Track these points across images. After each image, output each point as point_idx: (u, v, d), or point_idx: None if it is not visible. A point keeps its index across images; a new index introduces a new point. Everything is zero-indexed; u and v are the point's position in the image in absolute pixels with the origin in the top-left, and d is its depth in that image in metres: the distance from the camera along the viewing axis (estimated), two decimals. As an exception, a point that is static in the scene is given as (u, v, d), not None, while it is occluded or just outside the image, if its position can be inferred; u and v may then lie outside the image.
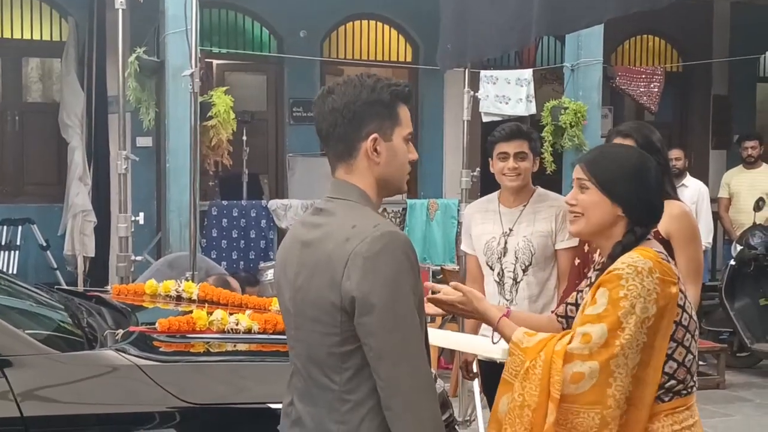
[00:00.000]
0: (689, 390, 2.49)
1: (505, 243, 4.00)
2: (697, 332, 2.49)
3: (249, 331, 3.46)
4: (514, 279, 3.98)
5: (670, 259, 2.46)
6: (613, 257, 2.49)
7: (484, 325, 4.02)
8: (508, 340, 2.55)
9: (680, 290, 2.42)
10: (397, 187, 2.28)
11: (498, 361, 3.78)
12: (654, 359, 2.39)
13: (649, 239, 2.53)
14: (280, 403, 2.39)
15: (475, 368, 4.30)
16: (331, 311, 2.09)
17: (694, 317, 2.48)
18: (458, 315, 2.77)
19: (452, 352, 6.41)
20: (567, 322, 2.78)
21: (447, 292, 2.73)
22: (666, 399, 2.44)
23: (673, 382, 2.44)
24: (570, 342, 2.39)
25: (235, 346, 3.46)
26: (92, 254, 8.78)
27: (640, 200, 2.52)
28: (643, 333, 2.35)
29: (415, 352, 2.09)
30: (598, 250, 3.59)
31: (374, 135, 2.18)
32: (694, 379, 2.50)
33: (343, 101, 2.18)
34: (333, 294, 2.08)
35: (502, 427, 2.46)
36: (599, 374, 2.34)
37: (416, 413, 2.06)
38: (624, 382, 2.35)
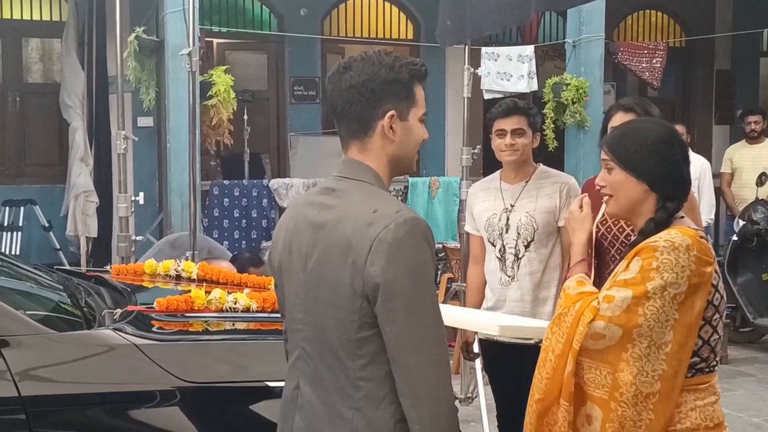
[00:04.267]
0: (711, 368, 2.48)
1: (507, 219, 3.99)
2: (725, 313, 2.50)
3: (247, 309, 3.47)
4: (516, 255, 3.97)
5: (709, 239, 2.46)
6: (645, 233, 2.49)
7: (486, 293, 4.04)
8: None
9: (715, 270, 2.42)
10: (407, 166, 2.26)
11: (495, 338, 3.80)
12: (690, 339, 2.39)
13: (683, 218, 2.52)
14: (279, 381, 2.37)
15: (476, 348, 4.30)
16: (350, 296, 2.06)
17: (725, 297, 2.48)
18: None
19: (455, 328, 6.41)
20: None
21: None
22: (689, 375, 2.43)
23: (696, 359, 2.43)
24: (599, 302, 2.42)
25: (233, 324, 3.46)
26: (95, 234, 8.79)
27: (664, 174, 2.51)
28: (673, 309, 2.35)
29: (437, 339, 2.07)
30: (601, 230, 3.59)
31: (392, 112, 2.14)
32: (717, 358, 2.50)
33: (360, 79, 2.13)
34: (354, 279, 2.04)
35: (537, 368, 2.53)
36: (619, 339, 2.36)
37: (435, 401, 2.05)
38: (642, 353, 2.35)
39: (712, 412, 2.45)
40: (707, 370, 2.47)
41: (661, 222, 2.48)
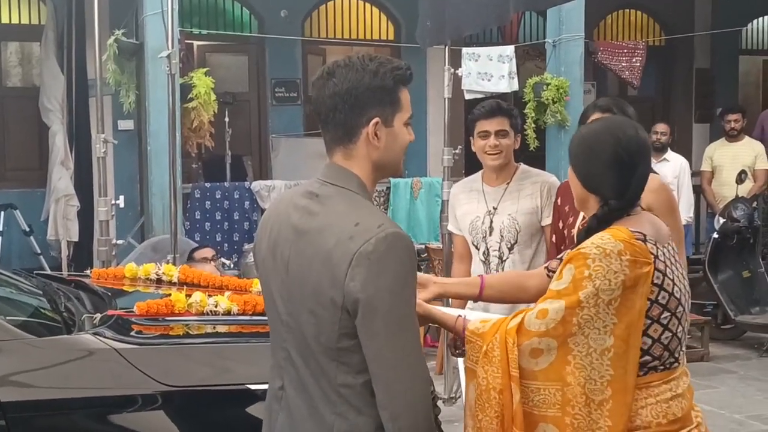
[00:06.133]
0: (667, 366, 2.45)
1: (491, 222, 4.00)
2: (680, 310, 2.45)
3: (228, 312, 3.45)
4: (500, 258, 3.98)
5: (648, 239, 2.41)
6: (589, 230, 2.48)
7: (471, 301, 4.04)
8: (460, 333, 2.53)
9: (657, 269, 2.39)
10: (394, 171, 2.25)
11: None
12: (634, 339, 2.36)
13: (629, 215, 2.49)
14: (260, 384, 2.37)
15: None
16: (330, 308, 2.06)
17: (677, 295, 2.43)
18: None
19: (438, 329, 6.42)
20: None
21: None
22: (640, 373, 2.41)
23: (647, 357, 2.40)
24: (526, 317, 2.38)
25: (214, 328, 3.46)
26: (76, 239, 8.74)
27: (596, 175, 2.50)
28: (610, 315, 2.33)
29: (415, 355, 2.07)
30: (576, 227, 3.61)
31: (376, 119, 2.13)
32: (675, 355, 2.46)
33: (344, 86, 2.11)
34: (334, 292, 2.04)
35: (474, 414, 2.45)
36: (557, 351, 2.34)
37: (413, 416, 2.05)
38: (584, 362, 2.33)
39: (666, 409, 2.41)
40: (662, 368, 2.44)
41: (602, 218, 2.48)
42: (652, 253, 2.40)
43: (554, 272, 2.73)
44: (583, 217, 3.54)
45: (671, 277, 2.43)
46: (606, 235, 2.40)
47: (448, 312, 2.65)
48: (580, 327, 2.33)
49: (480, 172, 4.16)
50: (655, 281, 2.39)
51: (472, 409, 2.47)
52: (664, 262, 2.43)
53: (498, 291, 2.87)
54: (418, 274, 2.74)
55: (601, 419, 2.35)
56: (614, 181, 2.50)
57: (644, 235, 2.42)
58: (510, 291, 2.88)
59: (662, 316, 2.41)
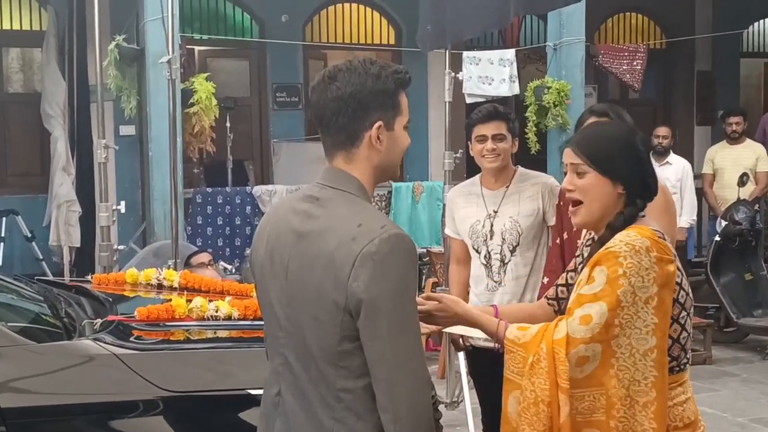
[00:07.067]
0: (682, 367, 2.45)
1: (491, 225, 3.99)
2: (692, 309, 2.45)
3: (229, 317, 3.45)
4: (502, 260, 3.97)
5: (666, 237, 2.42)
6: (614, 228, 2.44)
7: (472, 299, 4.02)
8: (502, 339, 2.48)
9: (678, 268, 2.39)
10: (392, 174, 2.27)
11: (482, 343, 3.79)
12: (666, 341, 2.36)
13: (643, 216, 2.49)
14: (261, 389, 2.37)
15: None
16: (332, 310, 2.05)
17: (690, 294, 2.44)
18: (441, 325, 2.67)
19: (440, 334, 6.41)
20: (559, 304, 2.74)
21: (419, 302, 2.49)
22: None
23: (667, 358, 2.39)
24: (568, 325, 2.34)
25: (214, 333, 3.45)
26: (78, 244, 8.75)
27: (637, 176, 2.47)
28: (650, 314, 2.31)
29: (417, 356, 2.07)
30: (582, 238, 3.57)
31: (379, 123, 2.14)
32: (688, 356, 2.47)
33: (347, 90, 2.12)
34: (337, 293, 2.04)
35: (516, 427, 2.39)
36: (601, 355, 2.31)
37: (415, 418, 2.05)
38: (628, 363, 2.31)
39: (681, 412, 2.42)
40: (678, 369, 2.44)
41: (629, 217, 2.45)
42: (673, 252, 2.40)
43: (553, 299, 2.73)
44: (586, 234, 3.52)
45: (685, 276, 2.45)
46: (632, 233, 2.39)
47: (489, 317, 2.58)
48: (622, 328, 2.31)
49: (478, 176, 4.16)
50: (676, 280, 2.39)
51: (513, 422, 2.40)
52: (679, 261, 2.44)
53: (513, 319, 2.81)
54: (445, 295, 2.70)
55: (645, 421, 2.32)
56: (652, 178, 2.52)
57: (662, 234, 2.43)
58: (524, 319, 2.82)
59: (680, 315, 2.42)
